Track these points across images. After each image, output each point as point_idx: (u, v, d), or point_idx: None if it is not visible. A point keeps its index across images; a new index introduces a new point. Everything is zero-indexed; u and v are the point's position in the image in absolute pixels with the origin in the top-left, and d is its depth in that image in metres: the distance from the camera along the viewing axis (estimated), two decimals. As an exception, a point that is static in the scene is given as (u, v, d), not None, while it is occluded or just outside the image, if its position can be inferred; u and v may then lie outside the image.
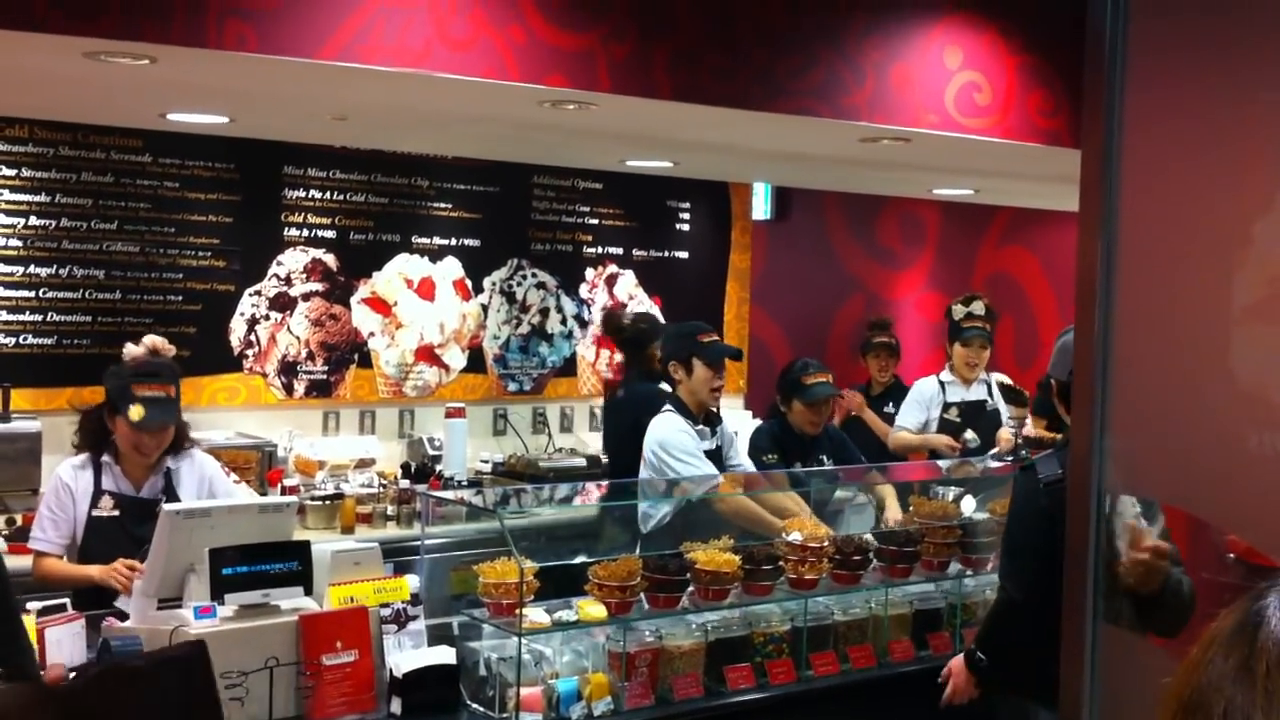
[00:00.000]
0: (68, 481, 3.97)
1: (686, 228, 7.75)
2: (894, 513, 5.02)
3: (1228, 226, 1.68)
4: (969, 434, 6.15)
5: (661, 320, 6.97)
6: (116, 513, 3.94)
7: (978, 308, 6.35)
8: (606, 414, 6.55)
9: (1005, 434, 5.93)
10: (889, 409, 6.77)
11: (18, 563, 4.65)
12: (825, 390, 5.19)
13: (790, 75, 4.52)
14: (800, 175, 7.61)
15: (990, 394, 6.34)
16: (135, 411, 3.84)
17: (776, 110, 4.52)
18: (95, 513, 3.95)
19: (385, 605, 3.48)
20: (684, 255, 7.75)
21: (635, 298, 7.51)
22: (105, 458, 3.99)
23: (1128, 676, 1.71)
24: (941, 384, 6.34)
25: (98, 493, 3.96)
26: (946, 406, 6.27)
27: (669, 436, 4.84)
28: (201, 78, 4.17)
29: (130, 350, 4.02)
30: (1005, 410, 6.24)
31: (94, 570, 3.82)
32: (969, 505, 4.81)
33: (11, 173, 5.58)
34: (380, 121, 5.43)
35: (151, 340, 4.06)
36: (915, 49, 4.84)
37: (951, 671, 3.74)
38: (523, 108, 4.49)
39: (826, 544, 3.95)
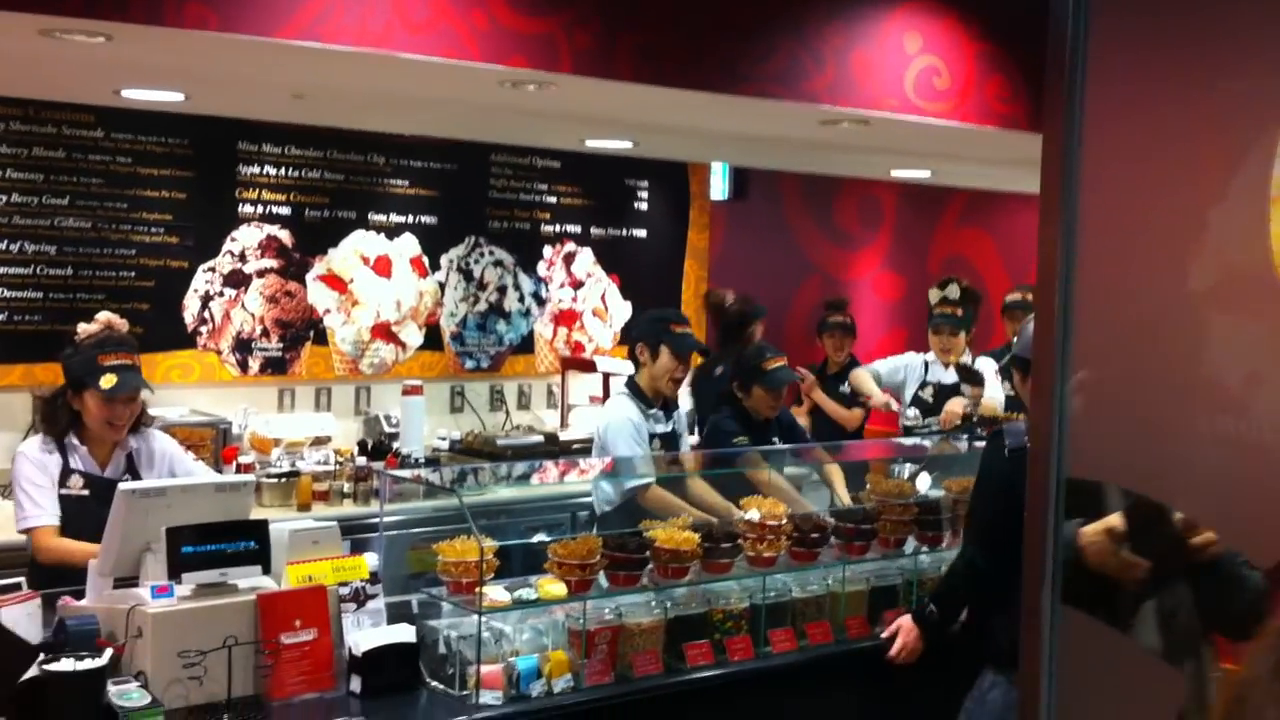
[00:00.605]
0: (37, 458, 3.93)
1: (645, 206, 7.75)
2: (841, 496, 5.06)
3: (1186, 213, 1.71)
4: (912, 411, 6.20)
5: (759, 304, 7.12)
6: (86, 492, 3.93)
7: (952, 291, 6.36)
8: (700, 386, 6.72)
9: (953, 407, 5.98)
10: (844, 389, 6.81)
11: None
12: (786, 375, 5.23)
13: (752, 60, 4.53)
14: (760, 156, 7.63)
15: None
16: (107, 380, 3.82)
17: (738, 94, 4.53)
18: (64, 491, 3.93)
19: (344, 584, 3.47)
20: (642, 234, 7.75)
21: (593, 275, 7.50)
22: (70, 439, 3.96)
23: (1088, 658, 1.74)
24: (925, 363, 6.42)
25: (66, 472, 3.94)
26: (923, 385, 6.34)
27: (613, 424, 4.87)
28: (159, 56, 4.13)
29: (85, 328, 3.99)
30: (964, 389, 6.29)
31: (92, 546, 3.77)
32: (924, 483, 4.87)
33: (-40, 147, 5.49)
34: (339, 100, 5.39)
35: (106, 316, 4.03)
36: (875, 34, 4.86)
37: (901, 627, 3.84)
38: (483, 88, 4.47)
39: (785, 522, 3.98)
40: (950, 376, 6.32)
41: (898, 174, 8.02)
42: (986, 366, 6.35)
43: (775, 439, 5.28)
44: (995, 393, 6.29)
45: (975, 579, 3.65)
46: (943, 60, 5.06)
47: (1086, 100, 1.68)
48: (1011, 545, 3.59)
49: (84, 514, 3.88)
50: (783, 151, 6.88)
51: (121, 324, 4.04)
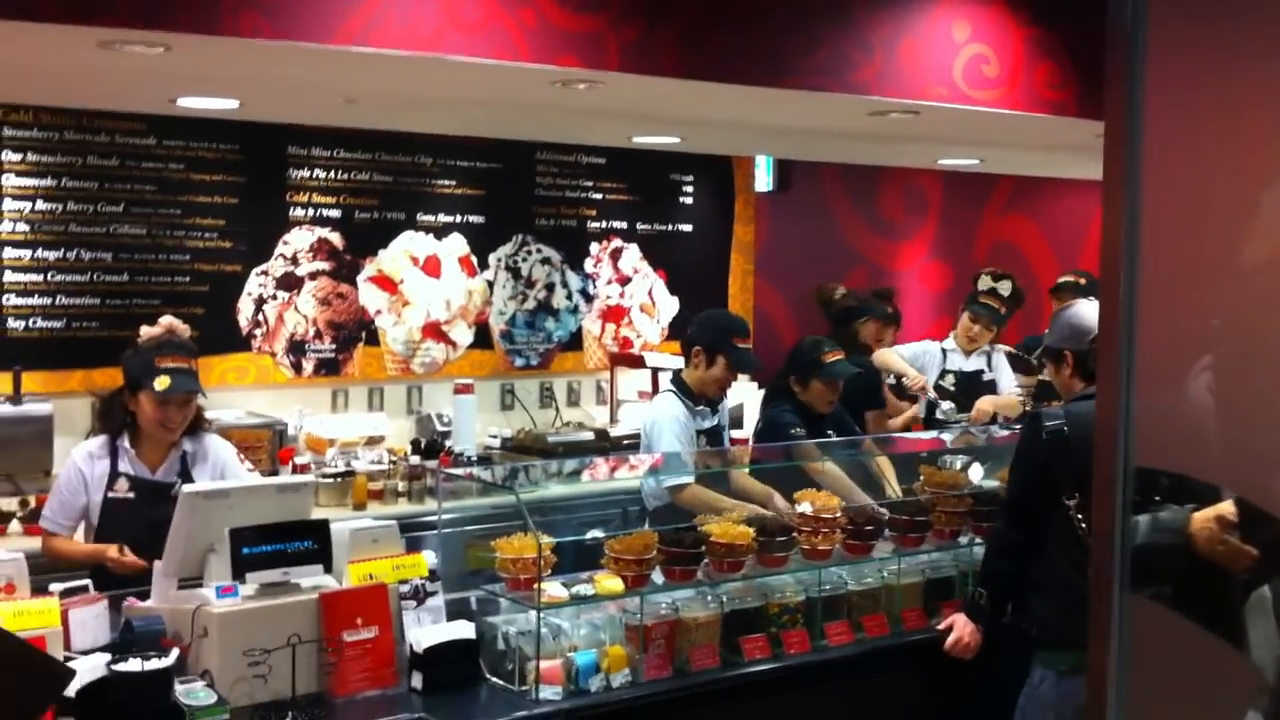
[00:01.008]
0: (81, 467, 3.99)
1: (689, 201, 7.76)
2: (893, 488, 5.03)
3: (1251, 195, 1.70)
4: (947, 404, 6.11)
5: (869, 301, 7.13)
6: (131, 495, 3.96)
7: (1004, 287, 6.25)
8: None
9: (983, 405, 5.89)
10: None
11: (35, 544, 4.70)
12: (845, 368, 5.18)
13: (799, 52, 4.52)
14: (807, 148, 7.61)
15: (990, 365, 6.30)
16: (161, 381, 3.86)
17: (785, 86, 4.53)
18: (111, 495, 3.97)
19: (404, 582, 3.51)
20: (688, 228, 7.76)
21: (640, 271, 7.52)
22: (122, 441, 4.00)
23: (1156, 649, 1.73)
24: (944, 351, 6.34)
25: (113, 475, 3.98)
26: (943, 374, 6.26)
27: (659, 422, 4.88)
28: (214, 65, 4.18)
29: (147, 331, 4.05)
30: (1012, 379, 6.24)
31: (111, 550, 3.85)
32: (977, 473, 4.85)
33: (18, 157, 5.59)
34: (390, 103, 5.44)
35: (168, 320, 4.09)
36: (923, 23, 4.84)
37: (955, 623, 3.89)
38: (534, 88, 4.50)
39: (838, 515, 3.98)
40: (971, 364, 6.26)
41: (945, 163, 7.98)
42: (999, 358, 6.31)
43: (830, 433, 5.27)
44: (1008, 384, 6.24)
45: (1010, 554, 3.80)
46: (991, 48, 5.03)
47: (1147, 82, 1.67)
48: (1043, 521, 3.70)
49: (129, 517, 3.92)
50: (830, 143, 6.87)
51: (184, 328, 4.09)
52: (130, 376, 3.98)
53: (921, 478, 4.52)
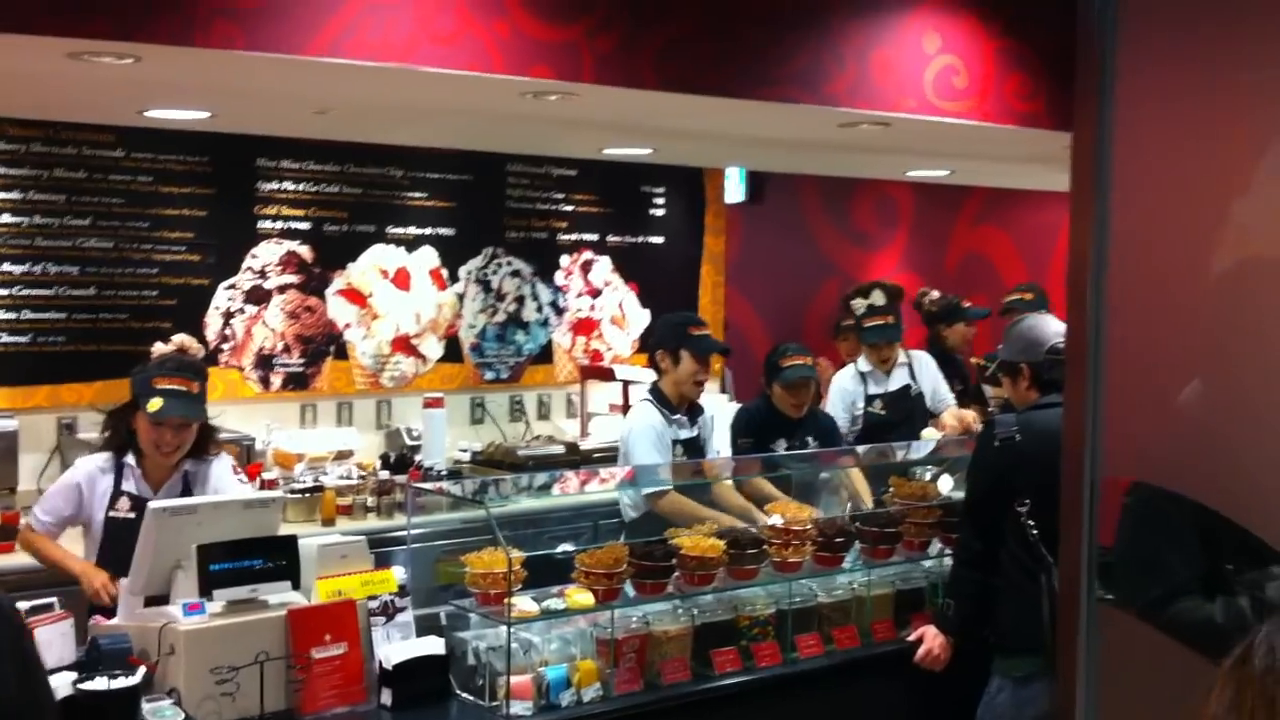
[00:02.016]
0: (81, 482, 3.96)
1: (661, 213, 7.76)
2: (864, 500, 5.04)
3: (1218, 208, 1.71)
4: (946, 482, 5.25)
5: (963, 304, 7.20)
6: (133, 515, 3.86)
7: (877, 298, 5.97)
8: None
9: (948, 420, 5.73)
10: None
11: (3, 562, 4.65)
12: (800, 373, 5.20)
13: (773, 63, 4.54)
14: (778, 160, 7.64)
15: (913, 376, 6.07)
16: (154, 404, 3.81)
17: (760, 98, 4.55)
18: (112, 514, 3.92)
19: (373, 598, 3.49)
20: (659, 240, 7.76)
21: (611, 283, 7.51)
22: (128, 458, 3.96)
23: (1125, 657, 1.74)
24: (862, 375, 6.06)
25: (116, 493, 3.94)
26: (870, 399, 6.01)
27: (635, 430, 4.89)
28: (186, 76, 4.16)
29: (159, 348, 4.01)
30: (940, 380, 6.16)
31: (76, 565, 3.82)
32: (946, 484, 4.86)
33: (-17, 170, 5.53)
34: (362, 114, 5.42)
35: (181, 339, 4.05)
36: (894, 34, 4.87)
37: (925, 634, 3.90)
38: (506, 99, 4.49)
39: (809, 527, 3.98)
40: (894, 382, 6.02)
41: (914, 174, 8.02)
42: (921, 363, 6.15)
43: (811, 439, 5.27)
44: (939, 385, 6.07)
45: (973, 563, 3.82)
46: (961, 59, 5.06)
47: (1116, 96, 1.68)
48: (1000, 530, 3.74)
49: (130, 537, 3.74)
50: (800, 154, 6.89)
51: (197, 348, 4.05)
52: (133, 394, 3.94)
53: (891, 489, 4.53)
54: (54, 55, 3.64)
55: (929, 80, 4.97)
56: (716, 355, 5.70)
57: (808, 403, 5.35)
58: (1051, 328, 3.84)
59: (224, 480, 4.11)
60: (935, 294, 7.64)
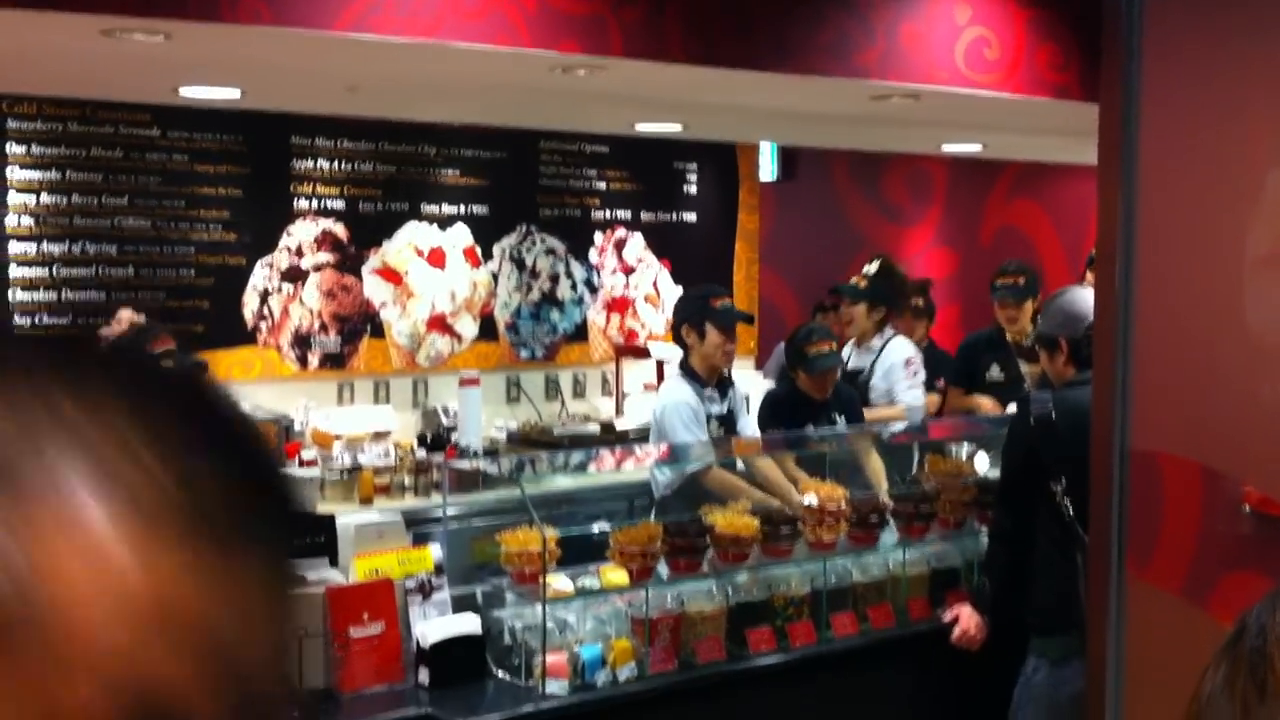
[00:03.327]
0: None
1: (694, 190, 7.74)
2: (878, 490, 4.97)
3: (1244, 182, 1.69)
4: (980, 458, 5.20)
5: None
6: None
7: (870, 268, 5.85)
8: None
9: (870, 416, 5.58)
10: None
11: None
12: (827, 362, 5.16)
13: (801, 35, 4.50)
14: (810, 134, 7.59)
15: (873, 368, 5.86)
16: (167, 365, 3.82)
17: (788, 71, 4.51)
18: None
19: (410, 576, 3.51)
20: (692, 217, 7.74)
21: (644, 261, 7.51)
22: None
23: (1154, 631, 1.73)
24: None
25: None
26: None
27: (668, 407, 4.88)
28: (215, 53, 4.17)
29: (113, 329, 3.98)
30: (899, 379, 6.04)
31: None
32: (983, 462, 4.84)
33: (21, 150, 5.58)
34: (392, 91, 5.42)
35: (129, 314, 4.03)
36: (925, 6, 4.82)
37: (960, 614, 3.87)
38: (535, 73, 4.48)
39: (843, 505, 3.98)
40: (855, 362, 5.89)
41: (949, 148, 7.95)
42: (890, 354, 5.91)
43: (837, 415, 5.24)
44: (892, 382, 5.79)
45: (1007, 541, 3.80)
46: (993, 30, 5.01)
47: (1143, 71, 1.66)
48: (1035, 508, 3.71)
49: None
50: (833, 128, 6.84)
51: (139, 317, 4.02)
52: None
53: (926, 467, 4.51)
54: (87, 32, 3.66)
55: (960, 52, 4.92)
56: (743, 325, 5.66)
57: (834, 384, 5.31)
58: (1092, 302, 3.79)
59: None
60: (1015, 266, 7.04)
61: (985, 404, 5.87)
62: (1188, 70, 1.66)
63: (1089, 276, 6.41)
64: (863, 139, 7.76)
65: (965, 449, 5.04)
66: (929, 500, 4.23)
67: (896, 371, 5.83)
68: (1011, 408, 5.76)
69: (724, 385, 5.03)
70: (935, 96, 5.06)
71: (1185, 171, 1.69)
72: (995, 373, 6.09)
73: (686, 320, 4.94)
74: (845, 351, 5.96)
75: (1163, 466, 1.72)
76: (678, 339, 5.04)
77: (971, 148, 7.83)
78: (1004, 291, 6.01)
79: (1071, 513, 3.53)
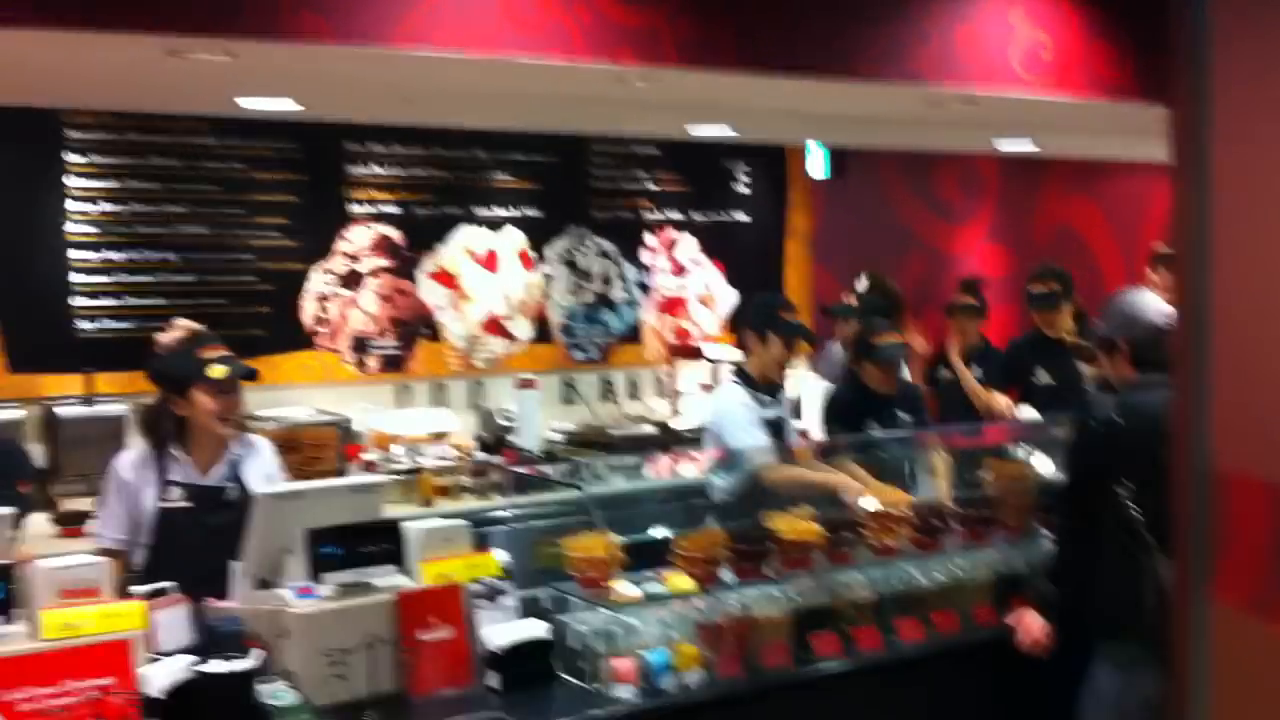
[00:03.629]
0: (126, 477, 3.87)
1: (745, 190, 7.74)
2: (943, 491, 4.96)
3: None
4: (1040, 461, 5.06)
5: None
6: (186, 503, 3.85)
7: (860, 284, 5.91)
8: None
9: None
10: (975, 374, 6.64)
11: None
12: (896, 350, 5.16)
13: (856, 42, 4.50)
14: (864, 135, 7.57)
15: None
16: (216, 370, 3.79)
17: (843, 77, 4.51)
18: (165, 504, 3.85)
19: (477, 581, 3.54)
20: (743, 217, 7.74)
21: (697, 262, 7.51)
22: (171, 449, 3.89)
23: (1237, 656, 1.71)
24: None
25: (164, 484, 3.86)
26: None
27: (725, 410, 4.90)
28: (276, 68, 4.23)
29: (169, 336, 4.00)
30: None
31: None
32: (1043, 465, 4.81)
33: (80, 159, 5.67)
34: (447, 101, 5.47)
35: (185, 322, 4.05)
36: (980, 10, 4.80)
37: (1024, 620, 3.85)
38: (590, 84, 4.51)
39: (906, 510, 3.97)
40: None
41: (1002, 146, 7.90)
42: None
43: (900, 413, 5.23)
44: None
45: (1071, 544, 3.77)
46: (1048, 33, 4.98)
47: (1214, 70, 1.64)
48: (1100, 513, 3.67)
49: (187, 525, 3.82)
50: (886, 129, 6.82)
51: (199, 327, 4.05)
52: (175, 378, 3.86)
53: (988, 471, 4.49)
54: (153, 52, 3.72)
55: (1016, 55, 4.89)
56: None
57: (899, 376, 5.30)
58: (1153, 303, 3.76)
59: (273, 463, 4.09)
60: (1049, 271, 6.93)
61: (1000, 403, 5.85)
62: (1261, 67, 1.63)
63: (1151, 274, 6.37)
64: (915, 139, 7.73)
65: (1022, 450, 5.01)
66: (992, 505, 4.21)
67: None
68: (1029, 413, 5.76)
69: (775, 390, 5.04)
70: (991, 100, 5.04)
71: (1263, 172, 1.66)
72: (1043, 377, 6.05)
73: (752, 326, 4.94)
74: (832, 370, 6.02)
75: (1245, 486, 1.69)
76: (740, 341, 5.05)
77: (1024, 145, 7.77)
78: (1039, 301, 5.97)
79: (1138, 517, 3.51)
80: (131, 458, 3.95)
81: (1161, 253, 6.47)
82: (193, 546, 3.74)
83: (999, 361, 6.31)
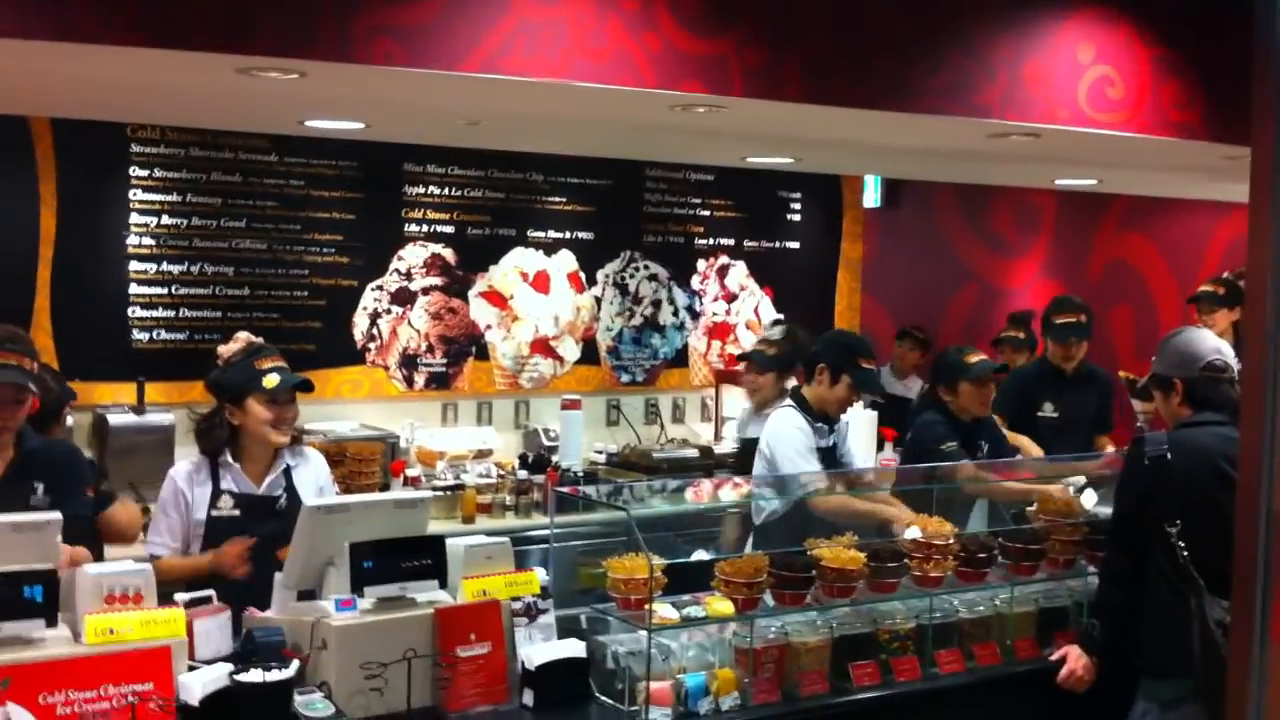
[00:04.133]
0: (182, 487, 3.94)
1: (797, 218, 7.74)
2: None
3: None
4: (1090, 496, 4.82)
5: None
6: (237, 512, 3.93)
7: (774, 333, 5.79)
8: None
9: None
10: None
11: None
12: (988, 366, 5.13)
13: (922, 75, 4.49)
14: (923, 168, 7.55)
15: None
16: (269, 380, 3.88)
17: (907, 110, 4.50)
18: (215, 513, 3.93)
19: (516, 599, 3.55)
20: (795, 245, 7.74)
21: (746, 288, 7.51)
22: (225, 458, 3.97)
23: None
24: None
25: (216, 493, 3.94)
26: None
27: (782, 434, 4.87)
28: (346, 90, 4.27)
29: (229, 347, 4.08)
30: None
31: (204, 559, 3.85)
32: (1090, 500, 4.75)
33: (144, 173, 5.77)
34: (512, 126, 5.49)
35: (246, 335, 4.13)
36: (1047, 45, 4.77)
37: (1069, 654, 3.82)
38: (655, 112, 4.52)
39: (951, 541, 3.93)
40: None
41: (1062, 183, 7.84)
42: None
43: (983, 443, 5.19)
44: None
45: (1118, 582, 3.74)
46: (1116, 69, 4.94)
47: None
48: (1148, 550, 3.61)
49: (235, 534, 3.87)
50: (944, 162, 6.80)
51: (259, 340, 4.12)
52: (231, 387, 3.95)
53: (1035, 504, 4.44)
54: (224, 71, 3.77)
55: (1083, 91, 4.86)
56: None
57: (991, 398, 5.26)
58: (1209, 343, 3.74)
59: (324, 474, 4.15)
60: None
61: (1025, 444, 5.77)
62: None
63: (1199, 315, 6.33)
64: (976, 174, 7.70)
65: (1073, 486, 4.95)
66: (1038, 539, 4.17)
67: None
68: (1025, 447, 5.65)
69: (830, 419, 5.02)
70: (1055, 135, 5.01)
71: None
72: (1049, 410, 5.99)
73: (827, 361, 4.91)
74: (743, 419, 6.03)
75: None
76: (809, 370, 5.00)
77: (1087, 183, 7.71)
78: (1067, 331, 5.88)
79: (1186, 555, 3.46)
80: (187, 467, 4.03)
81: (1203, 291, 6.42)
82: (263, 556, 3.78)
83: (1004, 391, 6.12)
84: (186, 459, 4.14)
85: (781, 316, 6.89)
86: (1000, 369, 5.34)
